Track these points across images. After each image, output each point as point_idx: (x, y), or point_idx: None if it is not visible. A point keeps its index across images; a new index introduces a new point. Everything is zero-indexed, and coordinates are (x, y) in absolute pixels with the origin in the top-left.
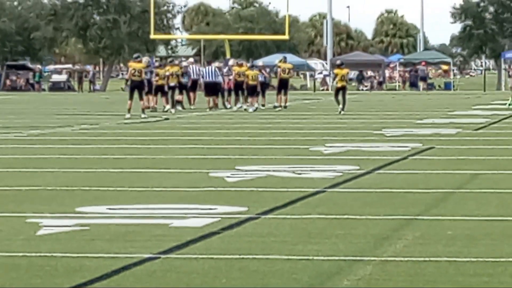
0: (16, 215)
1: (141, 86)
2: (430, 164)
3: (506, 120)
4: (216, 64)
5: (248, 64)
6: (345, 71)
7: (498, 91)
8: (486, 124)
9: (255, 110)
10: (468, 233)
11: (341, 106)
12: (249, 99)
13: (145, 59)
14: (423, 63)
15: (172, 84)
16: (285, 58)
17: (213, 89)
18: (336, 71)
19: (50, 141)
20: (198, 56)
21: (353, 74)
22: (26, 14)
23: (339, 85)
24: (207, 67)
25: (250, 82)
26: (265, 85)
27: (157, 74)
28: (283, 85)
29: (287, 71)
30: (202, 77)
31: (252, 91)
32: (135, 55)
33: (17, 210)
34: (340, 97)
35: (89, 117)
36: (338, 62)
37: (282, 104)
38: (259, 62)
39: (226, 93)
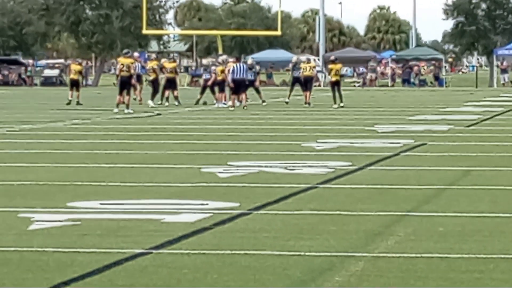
0: (8, 210)
1: (129, 82)
2: (422, 160)
3: (498, 117)
4: (249, 61)
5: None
6: (338, 66)
7: (490, 88)
8: (478, 120)
9: (221, 107)
10: (460, 230)
11: (337, 104)
12: (217, 95)
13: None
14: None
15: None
16: (308, 59)
17: (241, 86)
18: (330, 66)
19: (42, 136)
20: (190, 51)
21: (345, 70)
22: (18, 9)
23: (333, 79)
24: (237, 64)
25: (218, 78)
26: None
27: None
28: (308, 82)
29: (308, 68)
30: (232, 73)
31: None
32: (124, 51)
33: (9, 205)
34: (336, 93)
35: (81, 112)
36: (332, 57)
37: (307, 100)
38: (249, 59)
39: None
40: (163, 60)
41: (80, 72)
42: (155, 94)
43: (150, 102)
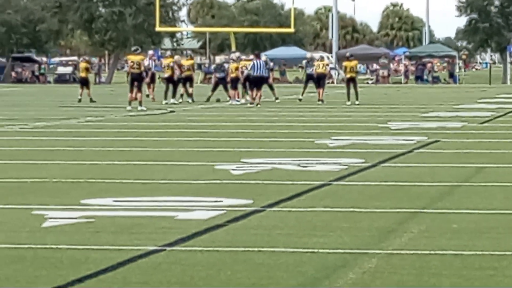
0: (21, 207)
1: (140, 78)
2: (435, 157)
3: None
4: (263, 58)
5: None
6: (353, 63)
7: (504, 85)
8: (491, 117)
9: (234, 104)
10: (473, 227)
11: (350, 101)
12: (230, 92)
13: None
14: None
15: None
16: (321, 57)
17: (259, 83)
18: (345, 63)
19: (56, 133)
20: (203, 49)
21: (359, 67)
22: (31, 6)
23: (348, 76)
24: (256, 61)
25: (232, 75)
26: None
27: (179, 66)
28: (321, 79)
29: (321, 65)
30: (251, 70)
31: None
32: (133, 48)
33: (23, 202)
34: (352, 90)
35: (94, 110)
36: (347, 54)
37: (321, 97)
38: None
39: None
40: (176, 57)
41: (87, 69)
42: (174, 90)
43: (173, 100)
